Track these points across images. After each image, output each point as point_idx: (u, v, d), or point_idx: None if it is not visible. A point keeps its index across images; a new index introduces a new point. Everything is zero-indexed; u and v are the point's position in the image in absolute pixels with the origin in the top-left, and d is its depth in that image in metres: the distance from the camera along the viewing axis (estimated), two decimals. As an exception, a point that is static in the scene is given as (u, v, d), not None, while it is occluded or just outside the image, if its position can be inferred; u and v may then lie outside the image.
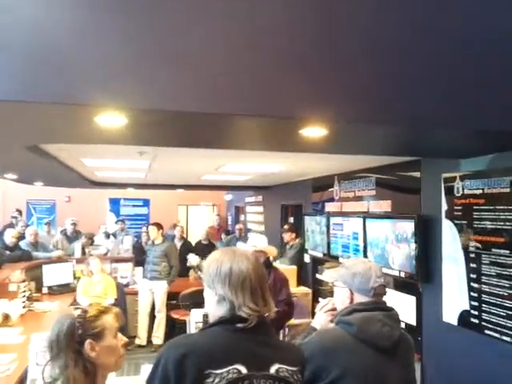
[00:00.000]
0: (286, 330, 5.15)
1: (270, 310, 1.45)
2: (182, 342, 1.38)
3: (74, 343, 1.66)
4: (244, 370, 1.33)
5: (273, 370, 1.38)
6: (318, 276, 2.18)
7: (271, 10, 1.66)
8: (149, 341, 6.19)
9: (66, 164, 3.93)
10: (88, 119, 1.75)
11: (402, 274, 3.55)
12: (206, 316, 1.78)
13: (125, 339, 1.77)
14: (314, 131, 2.00)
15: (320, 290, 5.32)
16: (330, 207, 5.19)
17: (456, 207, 3.08)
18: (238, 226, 9.15)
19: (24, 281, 5.42)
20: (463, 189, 3.02)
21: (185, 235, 8.78)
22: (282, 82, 1.68)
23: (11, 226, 7.81)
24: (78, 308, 1.81)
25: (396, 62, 1.80)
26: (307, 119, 1.79)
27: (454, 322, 3.08)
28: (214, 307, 1.46)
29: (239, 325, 1.38)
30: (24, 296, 5.14)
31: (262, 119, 1.75)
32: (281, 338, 5.05)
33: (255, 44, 1.64)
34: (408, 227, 3.47)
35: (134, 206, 10.99)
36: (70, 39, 1.50)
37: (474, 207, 2.92)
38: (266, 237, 7.96)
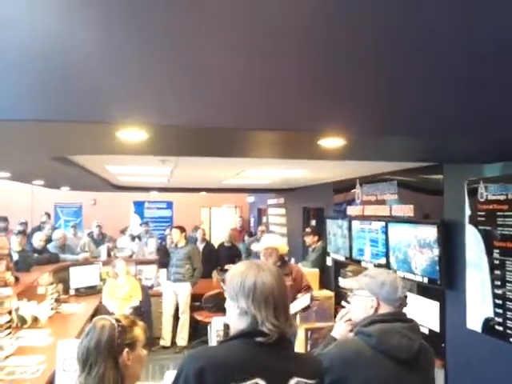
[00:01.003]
0: (309, 333, 5.17)
1: (291, 326, 1.47)
2: (202, 355, 1.41)
3: (114, 351, 1.71)
4: None
5: (292, 383, 1.40)
6: (339, 283, 2.19)
7: (288, 24, 1.67)
8: (173, 342, 6.27)
9: (91, 171, 4.03)
10: (110, 135, 1.81)
11: (425, 280, 3.52)
12: (226, 326, 1.81)
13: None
14: (333, 142, 2.01)
15: (342, 294, 5.30)
16: (351, 210, 5.17)
17: (479, 212, 3.04)
18: (260, 228, 9.17)
19: (52, 283, 5.56)
20: (487, 194, 2.98)
21: (207, 237, 8.86)
22: (299, 95, 1.69)
23: (39, 229, 8.01)
24: (106, 317, 1.86)
25: (414, 72, 1.79)
26: (325, 131, 1.80)
27: (478, 329, 3.04)
28: (235, 319, 1.47)
29: (259, 339, 1.40)
30: (52, 298, 5.28)
31: (280, 133, 1.77)
32: (304, 341, 5.09)
33: (273, 58, 1.66)
34: (431, 232, 3.44)
35: (157, 208, 11.15)
36: (91, 59, 1.55)
37: (498, 213, 2.87)
38: (289, 238, 8.00)
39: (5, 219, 8.20)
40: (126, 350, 1.72)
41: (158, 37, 1.59)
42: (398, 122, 1.80)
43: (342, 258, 5.23)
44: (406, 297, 1.84)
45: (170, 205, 11.20)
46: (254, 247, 4.30)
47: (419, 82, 1.78)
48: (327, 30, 1.70)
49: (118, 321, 1.77)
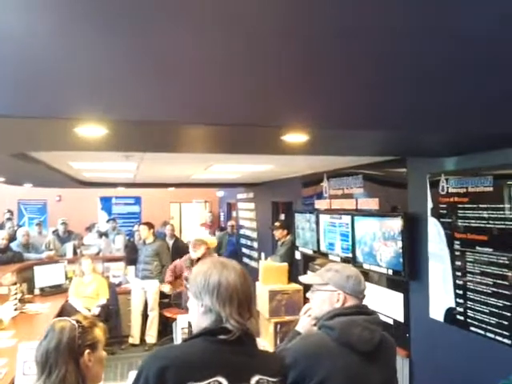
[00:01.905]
0: (278, 326, 5.20)
1: (256, 323, 1.47)
2: (163, 355, 1.40)
3: (75, 353, 1.68)
4: (225, 382, 1.35)
5: (253, 381, 1.40)
6: (300, 279, 2.20)
7: (249, 16, 1.65)
8: (142, 339, 6.21)
9: (53, 167, 3.92)
10: (68, 131, 1.76)
11: (390, 272, 3.59)
12: (190, 323, 1.80)
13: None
14: (296, 137, 2.01)
15: (311, 287, 5.35)
16: (319, 204, 5.21)
17: (441, 205, 3.11)
18: (230, 223, 9.18)
19: (15, 283, 5.42)
20: (448, 187, 3.05)
21: (177, 233, 8.79)
22: (260, 90, 1.68)
23: (1, 227, 7.77)
24: (66, 319, 1.82)
25: (375, 66, 1.80)
26: (287, 126, 1.80)
27: (441, 318, 3.12)
28: (198, 318, 1.47)
29: (221, 336, 1.39)
30: (15, 298, 5.14)
31: (242, 128, 1.76)
32: (273, 335, 5.12)
33: (234, 52, 1.65)
34: (395, 225, 3.50)
35: (125, 204, 10.97)
36: (48, 54, 1.50)
37: (459, 205, 2.95)
38: (258, 233, 8.02)
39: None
40: (87, 351, 1.69)
41: (119, 30, 1.55)
42: (361, 116, 1.81)
43: (311, 252, 5.28)
44: (365, 289, 1.88)
45: (138, 200, 11.05)
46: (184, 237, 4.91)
47: (380, 76, 1.79)
48: (290, 25, 1.69)
49: (78, 321, 1.74)
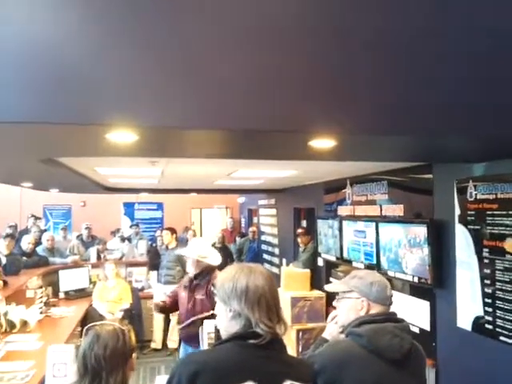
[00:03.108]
0: (300, 334, 5.18)
1: (284, 326, 1.48)
2: (195, 359, 1.41)
3: (126, 357, 1.71)
4: None
5: None
6: (325, 288, 2.19)
7: (280, 24, 1.66)
8: (164, 344, 6.25)
9: (80, 173, 3.99)
10: (99, 136, 1.79)
11: (416, 279, 3.54)
12: (217, 328, 1.80)
13: None
14: (323, 142, 2.01)
15: (333, 294, 5.31)
16: (342, 211, 5.18)
17: (469, 212, 3.06)
18: (251, 229, 9.18)
19: (41, 287, 5.52)
20: (476, 193, 3.00)
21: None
22: (290, 96, 1.68)
23: (27, 232, 7.93)
24: (110, 323, 1.84)
25: (403, 72, 1.79)
26: (315, 132, 1.79)
27: (468, 327, 3.06)
28: (226, 323, 1.47)
29: (252, 341, 1.40)
30: (41, 302, 5.24)
31: (271, 134, 1.76)
32: (295, 342, 5.09)
33: (265, 60, 1.65)
34: (421, 232, 3.46)
35: (148, 209, 11.09)
36: (81, 61, 1.53)
37: (487, 212, 2.90)
38: (280, 239, 7.92)
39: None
40: (134, 354, 1.73)
41: (151, 38, 1.57)
42: (389, 121, 1.80)
43: (333, 258, 5.24)
44: (392, 295, 1.86)
45: (160, 206, 11.16)
46: (183, 252, 3.73)
47: (408, 81, 1.78)
48: (317, 32, 1.69)
49: (120, 326, 1.77)
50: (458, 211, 3.16)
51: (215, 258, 3.65)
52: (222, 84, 1.62)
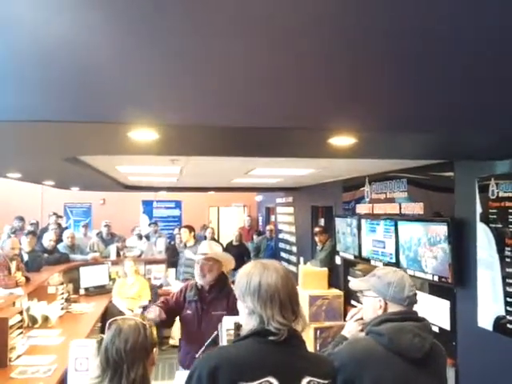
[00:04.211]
0: (318, 332, 5.17)
1: (302, 322, 1.47)
2: (215, 355, 1.42)
3: (147, 351, 1.73)
4: (276, 383, 1.35)
5: (304, 382, 1.40)
6: (348, 284, 2.18)
7: (299, 22, 1.66)
8: (182, 341, 6.28)
9: (101, 171, 4.05)
10: (122, 135, 1.82)
11: (436, 278, 3.50)
12: (237, 325, 1.82)
13: None
14: (343, 140, 2.00)
15: (351, 292, 5.29)
16: (360, 209, 5.15)
17: (491, 210, 3.02)
18: (268, 227, 9.19)
19: (62, 283, 5.62)
20: (498, 191, 2.95)
21: (215, 236, 8.86)
22: (309, 94, 1.69)
23: (48, 229, 8.06)
24: (132, 318, 1.86)
25: (424, 69, 1.77)
26: (335, 129, 1.79)
27: (490, 327, 3.02)
28: (245, 319, 1.49)
29: (271, 337, 1.40)
30: (62, 298, 5.33)
31: (291, 131, 1.77)
32: (313, 340, 5.09)
33: (284, 58, 1.66)
34: (441, 230, 3.42)
35: (166, 207, 11.17)
36: (103, 60, 1.56)
37: (510, 210, 2.85)
38: (297, 237, 7.91)
39: (21, 219, 8.28)
40: (155, 349, 1.75)
41: (171, 37, 1.59)
42: (409, 118, 1.79)
43: (351, 257, 5.21)
44: (415, 294, 1.83)
45: (178, 204, 11.23)
46: (188, 254, 3.27)
47: (430, 78, 1.76)
48: (337, 29, 1.69)
49: (142, 321, 1.79)
50: (479, 209, 3.12)
51: (230, 261, 3.23)
52: (244, 82, 1.63)
